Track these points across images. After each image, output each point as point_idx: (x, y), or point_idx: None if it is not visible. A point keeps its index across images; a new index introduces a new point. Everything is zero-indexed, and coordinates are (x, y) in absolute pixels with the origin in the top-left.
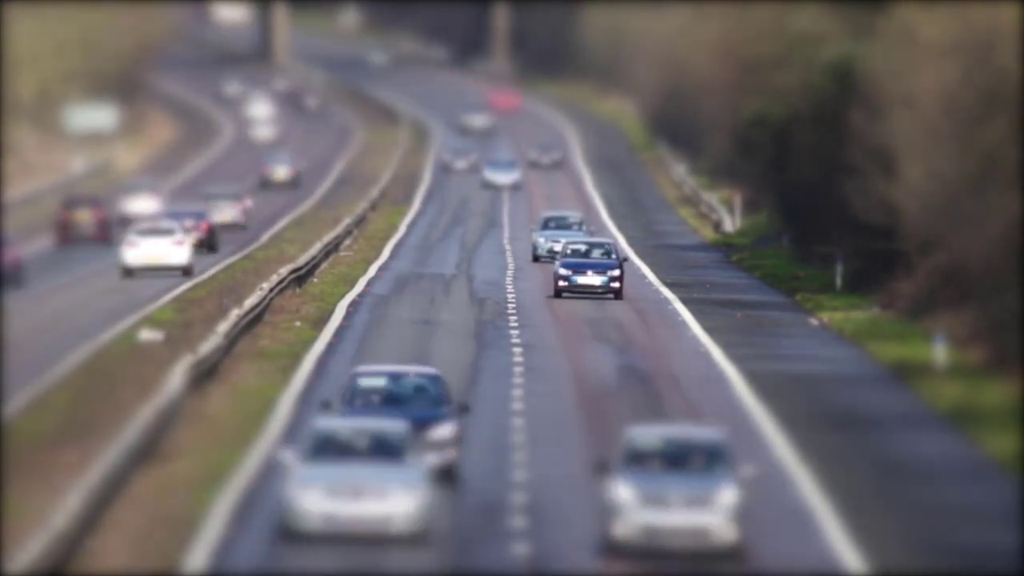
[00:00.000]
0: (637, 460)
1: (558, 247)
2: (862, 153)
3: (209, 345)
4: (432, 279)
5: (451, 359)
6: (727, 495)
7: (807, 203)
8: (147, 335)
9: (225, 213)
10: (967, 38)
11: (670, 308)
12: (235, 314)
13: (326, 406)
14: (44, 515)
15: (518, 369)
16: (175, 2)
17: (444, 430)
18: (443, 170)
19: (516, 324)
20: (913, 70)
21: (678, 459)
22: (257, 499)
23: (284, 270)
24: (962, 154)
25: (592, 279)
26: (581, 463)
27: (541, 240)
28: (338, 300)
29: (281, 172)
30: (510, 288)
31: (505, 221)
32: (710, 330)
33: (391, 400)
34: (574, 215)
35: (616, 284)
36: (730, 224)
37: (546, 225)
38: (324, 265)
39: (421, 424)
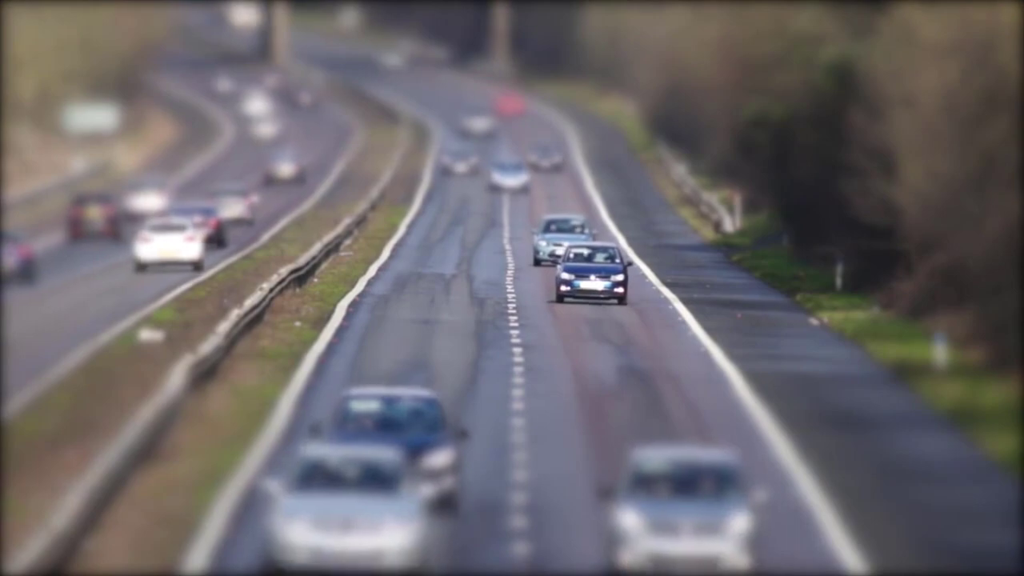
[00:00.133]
0: (644, 484)
1: (560, 250)
2: (862, 153)
3: (209, 345)
4: (432, 279)
5: (451, 359)
6: (739, 522)
7: (807, 203)
8: (147, 335)
9: (232, 209)
10: (967, 38)
11: (670, 308)
12: (235, 314)
13: (315, 431)
14: (44, 515)
15: (518, 369)
16: (191, 4)
17: (441, 457)
18: (443, 173)
19: (516, 324)
20: (913, 70)
21: (687, 483)
22: (257, 499)
23: (284, 270)
24: (962, 154)
25: (595, 284)
26: (581, 463)
27: (543, 243)
28: (338, 300)
29: (285, 169)
30: (510, 288)
31: (505, 221)
32: (710, 330)
33: (384, 425)
34: (576, 218)
35: (620, 289)
36: (730, 224)
37: (548, 228)
38: (324, 265)
39: (416, 450)
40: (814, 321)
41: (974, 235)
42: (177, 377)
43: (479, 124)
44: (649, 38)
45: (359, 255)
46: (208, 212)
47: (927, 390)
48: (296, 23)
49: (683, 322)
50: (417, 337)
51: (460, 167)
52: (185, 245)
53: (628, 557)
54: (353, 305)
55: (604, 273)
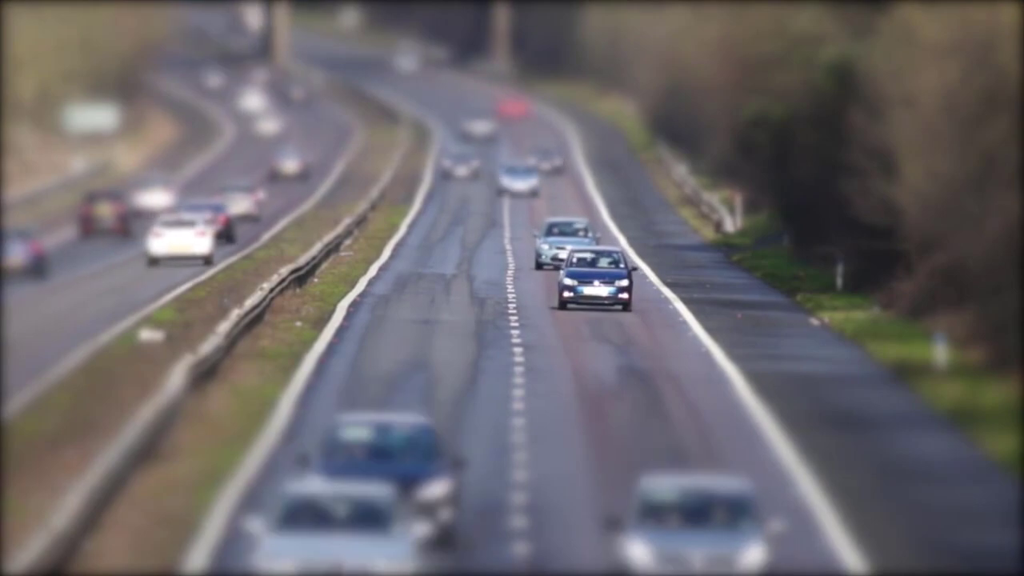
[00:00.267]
0: (653, 514)
1: (563, 254)
2: (862, 153)
3: (209, 345)
4: (432, 279)
5: (451, 359)
6: (753, 554)
7: (807, 203)
8: (147, 335)
9: (239, 205)
10: (967, 38)
11: (671, 308)
12: (235, 314)
13: (302, 461)
14: (44, 515)
15: (518, 369)
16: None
17: (436, 488)
18: (444, 177)
19: (516, 324)
20: (913, 70)
21: (699, 514)
22: (257, 499)
23: (284, 270)
24: (962, 154)
25: (599, 290)
26: (581, 463)
27: (545, 247)
28: (338, 300)
29: (290, 165)
30: (510, 288)
31: (506, 221)
32: (711, 330)
33: (376, 454)
34: (579, 221)
35: (624, 295)
36: (731, 224)
37: (550, 231)
38: (324, 265)
39: (410, 481)
40: (814, 321)
41: (974, 235)
42: (177, 377)
43: (480, 127)
44: (649, 38)
45: (359, 255)
46: (218, 208)
47: (927, 390)
48: (296, 23)
49: (683, 322)
50: (417, 337)
51: (461, 171)
52: (196, 240)
53: None
54: (353, 305)
55: (608, 278)
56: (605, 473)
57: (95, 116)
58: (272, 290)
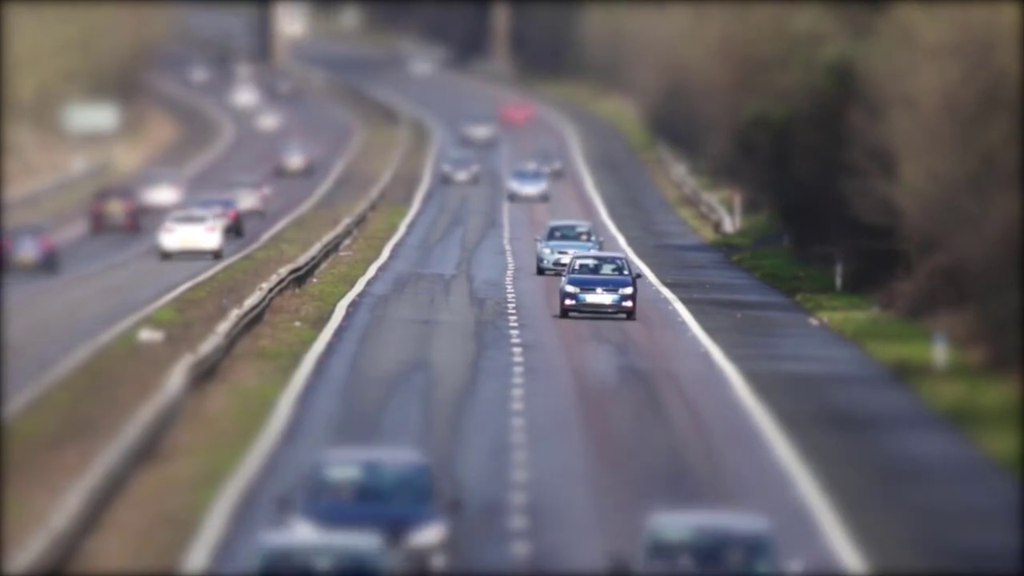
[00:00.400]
0: (663, 554)
1: (565, 259)
2: (862, 153)
3: (209, 345)
4: (432, 279)
5: (451, 359)
6: None
7: (807, 203)
8: (147, 335)
9: (245, 200)
10: (967, 38)
11: (670, 308)
12: (235, 314)
13: (284, 505)
14: (44, 515)
15: (518, 369)
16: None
17: (429, 533)
18: (443, 181)
19: (516, 324)
20: (913, 70)
21: (712, 554)
22: (257, 499)
23: (284, 270)
24: (962, 154)
25: (602, 297)
26: (581, 463)
27: (547, 251)
28: (338, 300)
29: (295, 161)
30: (510, 288)
31: (505, 221)
32: (710, 330)
33: (365, 495)
34: (582, 225)
35: (629, 303)
36: (730, 224)
37: (552, 235)
38: (324, 265)
39: (401, 526)
40: (814, 321)
41: (974, 235)
42: (177, 377)
43: (480, 132)
44: (649, 38)
45: (359, 255)
46: (228, 204)
47: (927, 390)
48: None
49: (683, 322)
50: (417, 337)
51: (461, 175)
52: (206, 235)
53: None
54: (353, 305)
55: (612, 286)
56: (605, 473)
57: (95, 116)
58: (271, 290)
